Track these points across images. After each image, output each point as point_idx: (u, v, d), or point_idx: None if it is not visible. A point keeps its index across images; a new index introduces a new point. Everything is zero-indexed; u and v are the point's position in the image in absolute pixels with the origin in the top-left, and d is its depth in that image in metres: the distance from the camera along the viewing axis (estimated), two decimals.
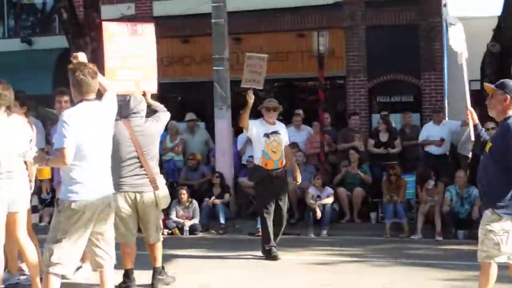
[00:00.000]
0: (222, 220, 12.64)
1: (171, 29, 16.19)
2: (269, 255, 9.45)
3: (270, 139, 9.40)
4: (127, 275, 7.44)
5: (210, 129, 15.09)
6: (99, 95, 5.84)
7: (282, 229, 9.79)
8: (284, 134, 9.68)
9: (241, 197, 13.72)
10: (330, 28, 15.74)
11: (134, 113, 7.46)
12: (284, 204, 9.65)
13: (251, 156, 13.07)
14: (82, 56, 5.86)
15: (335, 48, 16.03)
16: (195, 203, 12.69)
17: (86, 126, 5.49)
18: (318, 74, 14.28)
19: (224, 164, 13.66)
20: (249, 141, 13.58)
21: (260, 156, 9.45)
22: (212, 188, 13.35)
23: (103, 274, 5.74)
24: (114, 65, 7.84)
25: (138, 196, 7.32)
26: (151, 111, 7.74)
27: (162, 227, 7.87)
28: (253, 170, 9.91)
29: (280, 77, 16.25)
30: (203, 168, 14.22)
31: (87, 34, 14.98)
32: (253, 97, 9.27)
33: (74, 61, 5.78)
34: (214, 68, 13.74)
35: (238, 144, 14.26)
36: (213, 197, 13.01)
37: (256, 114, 9.96)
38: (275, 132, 9.48)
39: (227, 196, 13.17)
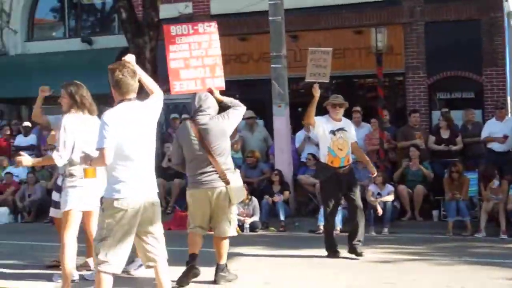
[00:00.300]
0: (282, 218, 12.66)
1: (228, 27, 16.18)
2: (330, 253, 9.41)
3: (336, 136, 9.18)
4: (192, 257, 7.54)
5: (269, 126, 15.11)
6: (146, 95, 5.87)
7: (360, 223, 9.37)
8: (351, 131, 9.46)
9: (300, 195, 13.72)
10: (388, 24, 15.57)
11: (200, 111, 7.53)
12: (356, 196, 9.34)
13: (310, 153, 13.07)
14: (131, 58, 5.84)
15: (393, 45, 15.82)
16: (255, 200, 12.74)
17: (126, 126, 5.49)
18: (376, 71, 14.18)
19: (283, 161, 13.68)
20: (307, 138, 13.61)
21: (326, 153, 9.24)
22: (271, 185, 13.38)
23: (158, 268, 5.77)
24: (177, 66, 7.99)
25: (209, 192, 7.37)
26: (223, 108, 7.73)
27: (235, 222, 7.83)
28: (319, 168, 9.71)
29: (338, 74, 16.09)
30: (262, 165, 14.27)
31: (146, 33, 15.12)
32: (319, 91, 9.10)
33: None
34: (272, 65, 13.77)
35: (296, 142, 14.26)
36: (278, 194, 13.00)
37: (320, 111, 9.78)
38: (341, 129, 9.26)
39: (286, 193, 13.18)
